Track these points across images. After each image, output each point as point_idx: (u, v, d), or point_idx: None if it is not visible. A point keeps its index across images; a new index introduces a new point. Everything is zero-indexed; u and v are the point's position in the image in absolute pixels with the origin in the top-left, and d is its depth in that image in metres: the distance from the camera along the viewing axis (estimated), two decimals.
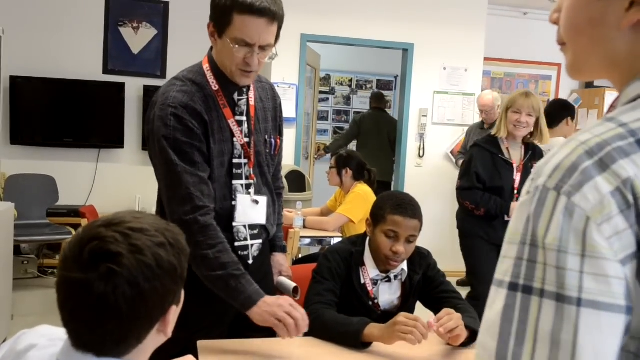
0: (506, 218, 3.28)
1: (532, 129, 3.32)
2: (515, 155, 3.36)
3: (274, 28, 1.68)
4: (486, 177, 3.31)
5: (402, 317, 1.73)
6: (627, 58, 0.67)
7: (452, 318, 1.77)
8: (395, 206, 2.03)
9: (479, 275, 3.43)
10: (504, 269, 0.63)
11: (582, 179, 0.59)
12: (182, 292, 1.03)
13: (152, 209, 5.04)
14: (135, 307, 0.92)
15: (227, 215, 1.79)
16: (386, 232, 2.01)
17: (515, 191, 3.30)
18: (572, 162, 0.60)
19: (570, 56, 0.73)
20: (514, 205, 3.15)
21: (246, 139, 1.82)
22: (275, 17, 1.66)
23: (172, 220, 1.62)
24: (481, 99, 5.41)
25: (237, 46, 1.65)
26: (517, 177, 3.31)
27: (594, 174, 0.59)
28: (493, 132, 3.39)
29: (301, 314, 1.65)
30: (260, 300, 1.65)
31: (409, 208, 2.02)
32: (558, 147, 0.64)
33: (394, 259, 2.00)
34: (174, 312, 1.01)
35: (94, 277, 0.90)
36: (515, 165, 3.33)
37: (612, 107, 0.70)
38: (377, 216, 2.07)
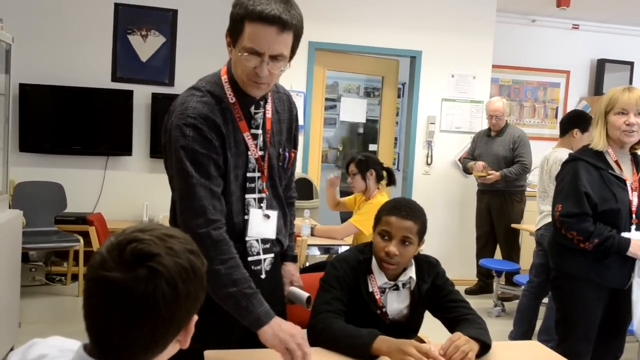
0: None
1: None
2: (627, 170, 2.63)
3: (285, 38, 1.63)
4: (597, 199, 2.56)
5: (412, 347, 1.68)
6: None
7: (458, 347, 1.71)
8: (390, 207, 2.04)
9: (579, 327, 2.66)
10: None
11: None
12: None
13: (160, 216, 5.07)
14: (171, 309, 0.94)
15: (240, 230, 1.77)
16: (380, 232, 2.02)
17: (634, 215, 2.58)
18: None
19: None
20: (635, 240, 2.54)
21: (260, 153, 1.81)
22: (286, 26, 1.60)
23: (185, 232, 1.62)
24: (491, 104, 5.39)
25: (246, 54, 1.63)
26: (633, 197, 2.58)
27: None
28: (591, 145, 2.66)
29: (309, 351, 1.61)
30: (273, 321, 1.61)
31: (403, 209, 2.02)
32: None
33: (387, 261, 1.99)
34: (194, 322, 1.02)
35: (135, 277, 0.92)
36: (629, 183, 2.59)
37: None
38: (376, 219, 2.09)
